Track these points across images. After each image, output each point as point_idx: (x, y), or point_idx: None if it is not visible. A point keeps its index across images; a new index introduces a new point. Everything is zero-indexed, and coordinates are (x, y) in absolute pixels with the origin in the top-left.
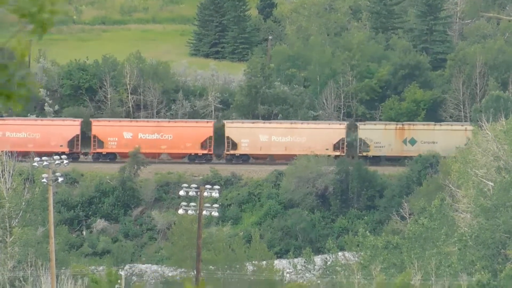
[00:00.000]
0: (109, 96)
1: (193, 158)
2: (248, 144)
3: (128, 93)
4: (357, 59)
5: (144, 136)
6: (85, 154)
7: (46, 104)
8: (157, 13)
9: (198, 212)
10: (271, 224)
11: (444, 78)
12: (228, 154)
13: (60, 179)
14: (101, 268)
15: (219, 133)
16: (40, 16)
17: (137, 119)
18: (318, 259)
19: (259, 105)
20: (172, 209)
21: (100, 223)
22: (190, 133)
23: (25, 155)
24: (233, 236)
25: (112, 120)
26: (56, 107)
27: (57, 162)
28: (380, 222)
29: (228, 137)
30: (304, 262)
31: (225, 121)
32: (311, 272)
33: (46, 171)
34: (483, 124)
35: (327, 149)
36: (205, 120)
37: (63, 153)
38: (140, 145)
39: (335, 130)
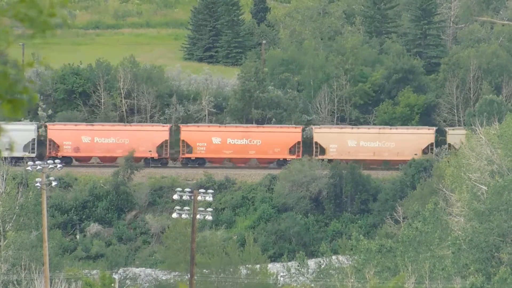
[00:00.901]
0: (102, 100)
1: (281, 164)
2: (336, 149)
3: (121, 98)
4: (351, 63)
5: (233, 142)
6: (174, 159)
7: (39, 108)
8: (150, 18)
9: (192, 216)
10: (265, 228)
11: (437, 82)
12: (316, 159)
13: (53, 183)
14: (95, 271)
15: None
16: (40, 20)
17: (226, 124)
18: (312, 263)
19: (253, 109)
20: (166, 213)
21: (93, 227)
22: (279, 139)
23: (113, 160)
24: (227, 240)
25: (201, 125)
26: (50, 112)
27: (50, 166)
28: (374, 225)
29: (316, 142)
30: (298, 266)
31: (313, 127)
32: (305, 275)
33: (40, 175)
34: (477, 128)
35: (415, 154)
36: (293, 125)
37: (152, 158)
38: (229, 150)
39: (424, 135)
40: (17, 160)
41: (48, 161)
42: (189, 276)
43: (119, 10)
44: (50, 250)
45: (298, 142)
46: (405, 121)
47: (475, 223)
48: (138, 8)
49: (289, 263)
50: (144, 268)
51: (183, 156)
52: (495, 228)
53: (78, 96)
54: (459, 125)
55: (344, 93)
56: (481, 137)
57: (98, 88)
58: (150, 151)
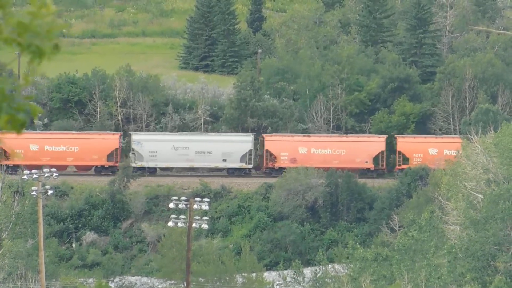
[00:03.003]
0: (98, 109)
1: None
2: None
3: (117, 106)
4: (347, 72)
5: (449, 152)
6: (390, 170)
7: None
8: (146, 27)
9: (188, 224)
10: (261, 237)
11: (433, 91)
12: None
13: (49, 192)
14: (91, 280)
15: None
16: (37, 45)
17: (443, 135)
18: (308, 271)
19: (249, 118)
20: (162, 222)
21: (89, 236)
22: None
23: (326, 170)
24: (223, 249)
25: (418, 136)
26: (46, 121)
27: (46, 175)
28: (370, 234)
29: None
30: (294, 274)
31: None
32: (301, 284)
33: (36, 184)
34: (473, 137)
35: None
36: None
37: (368, 169)
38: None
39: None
40: (233, 171)
41: (44, 170)
42: (185, 284)
43: (114, 19)
44: (46, 259)
45: None
46: (400, 130)
47: (471, 232)
48: (133, 17)
49: (285, 272)
50: (140, 277)
51: (399, 167)
52: (491, 237)
53: (73, 105)
54: (454, 134)
55: (339, 102)
56: (477, 146)
57: (94, 97)
58: (366, 161)
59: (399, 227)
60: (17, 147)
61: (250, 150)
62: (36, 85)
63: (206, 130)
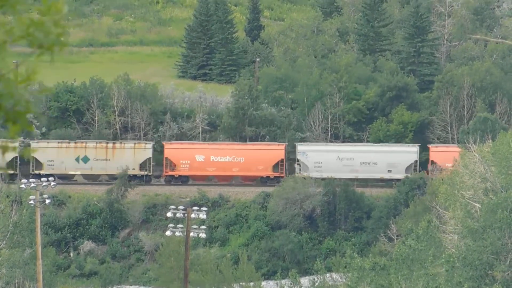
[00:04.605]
0: (96, 118)
1: None
2: None
3: (115, 115)
4: (345, 81)
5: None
6: None
7: (33, 126)
8: (144, 35)
9: (185, 233)
10: (259, 246)
11: (431, 100)
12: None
13: (47, 201)
14: None
15: None
16: (49, 41)
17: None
18: (305, 281)
19: (247, 127)
20: (160, 231)
21: (87, 245)
22: None
23: None
24: (221, 258)
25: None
26: (44, 129)
27: (44, 184)
28: (368, 243)
29: None
30: (290, 284)
31: None
32: None
33: (34, 193)
34: (471, 146)
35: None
36: None
37: None
38: None
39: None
40: (395, 181)
41: (42, 179)
42: None
43: (112, 28)
44: (43, 268)
45: None
46: (398, 139)
47: (468, 241)
48: (132, 26)
49: (283, 281)
50: (137, 286)
51: None
52: (488, 246)
53: (72, 114)
54: (452, 143)
55: (337, 110)
56: (474, 155)
57: (92, 105)
58: None
59: (397, 236)
60: (183, 158)
61: (416, 161)
62: (34, 93)
63: (204, 139)
